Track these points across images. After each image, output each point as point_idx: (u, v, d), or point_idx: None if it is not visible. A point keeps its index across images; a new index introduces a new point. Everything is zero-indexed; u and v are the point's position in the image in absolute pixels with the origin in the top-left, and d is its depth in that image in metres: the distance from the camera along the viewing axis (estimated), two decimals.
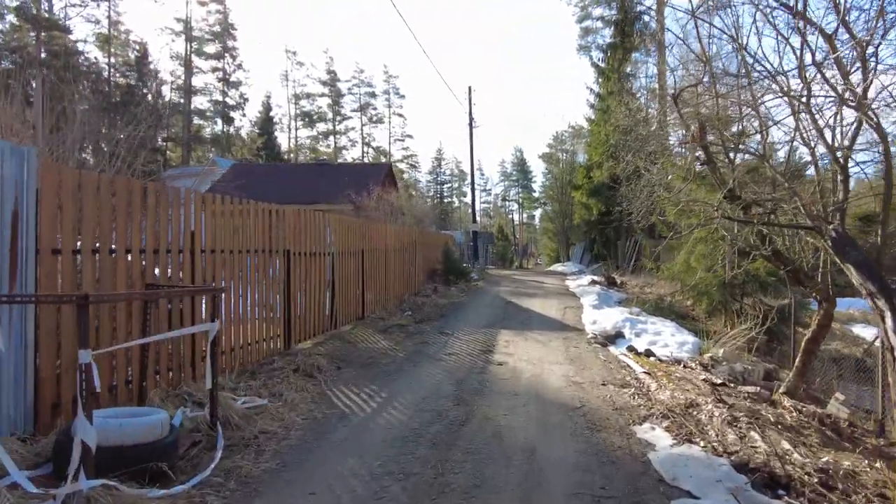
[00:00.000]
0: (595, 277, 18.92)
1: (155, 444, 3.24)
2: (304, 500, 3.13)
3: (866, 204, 6.23)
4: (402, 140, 67.74)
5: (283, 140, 58.35)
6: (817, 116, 4.42)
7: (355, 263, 9.65)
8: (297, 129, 61.11)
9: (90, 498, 2.72)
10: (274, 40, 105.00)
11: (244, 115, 50.53)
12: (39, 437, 3.51)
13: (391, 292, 11.84)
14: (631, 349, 7.97)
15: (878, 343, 6.11)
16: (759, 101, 4.66)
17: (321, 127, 62.93)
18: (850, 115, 4.63)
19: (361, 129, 64.70)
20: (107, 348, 3.75)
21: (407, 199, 24.47)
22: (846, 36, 4.29)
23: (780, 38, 4.65)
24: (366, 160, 58.87)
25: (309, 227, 7.70)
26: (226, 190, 14.44)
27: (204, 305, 5.39)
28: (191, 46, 43.94)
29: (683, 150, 5.96)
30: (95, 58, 36.59)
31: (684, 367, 7.26)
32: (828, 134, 4.50)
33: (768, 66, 4.84)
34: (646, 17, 23.90)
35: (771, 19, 4.58)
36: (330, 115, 62.84)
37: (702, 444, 4.13)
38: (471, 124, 27.90)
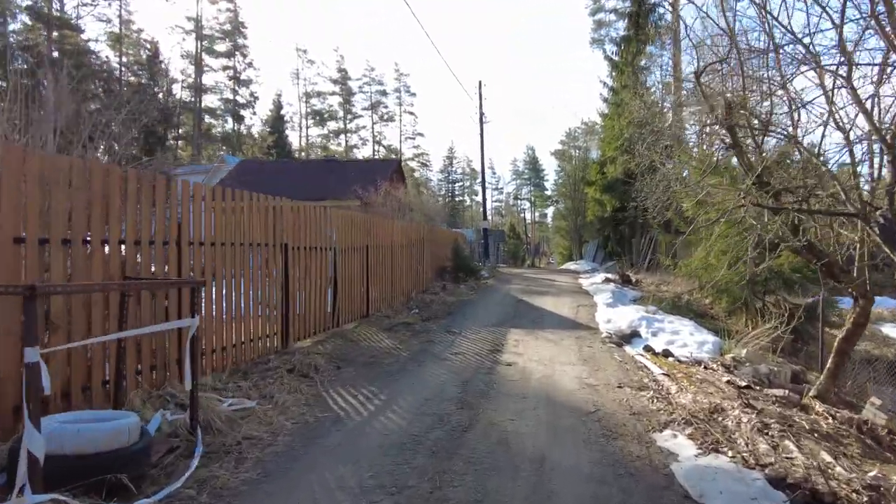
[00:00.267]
0: (609, 275, 18.42)
1: (120, 452, 2.91)
2: None
3: None
4: (413, 138, 67.51)
5: (293, 138, 58.44)
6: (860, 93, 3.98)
7: (359, 259, 9.32)
8: (307, 127, 61.18)
9: None
10: (284, 39, 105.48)
11: (254, 113, 50.65)
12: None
13: (398, 289, 11.50)
14: (648, 349, 7.54)
15: None
16: (793, 76, 4.24)
17: (332, 125, 62.93)
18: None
19: (372, 128, 64.58)
20: (64, 345, 3.42)
21: (417, 196, 24.16)
22: None
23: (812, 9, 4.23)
24: (377, 158, 58.66)
25: (309, 222, 7.38)
26: (231, 187, 14.23)
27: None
28: (201, 45, 44.05)
29: (705, 135, 5.51)
30: (107, 56, 36.81)
31: (705, 368, 6.82)
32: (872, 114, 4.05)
33: (799, 42, 4.41)
34: (660, 9, 23.33)
35: None
36: (341, 114, 62.80)
37: (730, 454, 3.72)
38: (481, 119, 27.51)
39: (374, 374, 5.84)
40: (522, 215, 75.13)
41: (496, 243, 39.99)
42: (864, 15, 4.00)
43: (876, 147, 5.07)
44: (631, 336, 8.52)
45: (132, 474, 2.92)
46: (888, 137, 3.95)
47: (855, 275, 5.01)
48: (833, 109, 4.74)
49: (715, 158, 7.49)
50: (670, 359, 7.17)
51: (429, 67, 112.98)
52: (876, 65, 3.92)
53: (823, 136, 4.79)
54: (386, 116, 65.15)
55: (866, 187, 6.31)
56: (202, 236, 5.21)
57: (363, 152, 63.39)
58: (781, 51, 4.37)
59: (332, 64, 63.13)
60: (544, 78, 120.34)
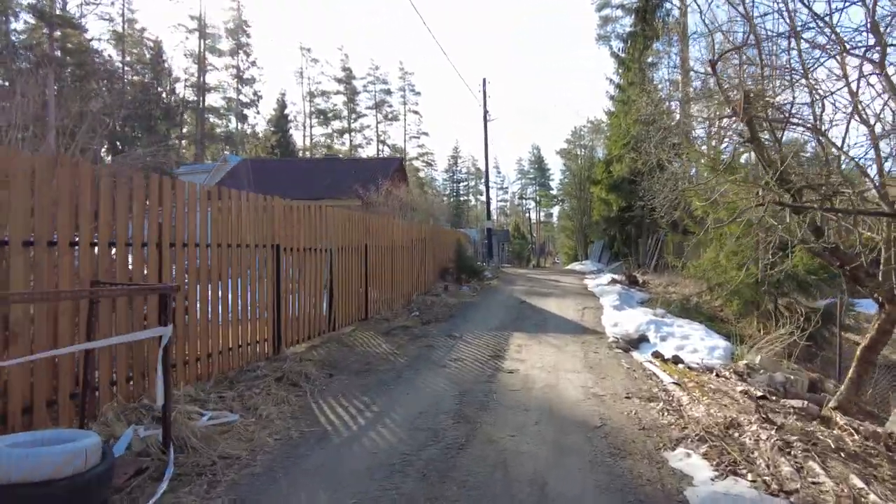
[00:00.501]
0: (615, 276, 18.05)
1: (76, 479, 2.62)
2: None
3: None
4: (418, 137, 67.27)
5: (298, 138, 58.29)
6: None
7: (357, 260, 9.03)
8: (311, 126, 60.98)
9: None
10: (288, 38, 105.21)
11: (258, 112, 50.49)
12: None
13: (398, 291, 11.20)
14: (657, 355, 7.20)
15: None
16: (816, 64, 3.90)
17: (336, 124, 62.72)
18: None
19: (377, 127, 64.33)
20: (24, 356, 3.11)
21: (422, 195, 23.86)
22: None
23: None
24: (378, 157, 58.42)
25: (302, 221, 7.09)
26: (231, 186, 13.97)
27: (185, 305, 4.81)
28: (204, 43, 43.89)
29: (721, 129, 5.16)
30: (109, 55, 36.70)
31: (717, 375, 6.48)
32: None
33: (826, 23, 4.07)
34: (667, 5, 22.89)
35: None
36: (345, 113, 62.59)
37: (750, 477, 3.39)
38: (485, 117, 27.18)
39: (368, 383, 5.54)
40: (527, 215, 74.69)
41: (500, 243, 39.68)
42: None
43: None
44: (639, 341, 8.19)
45: (90, 503, 2.64)
46: None
47: (881, 279, 4.67)
48: (858, 101, 4.41)
49: (728, 155, 7.15)
50: (680, 366, 6.83)
51: (433, 66, 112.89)
52: None
53: (847, 130, 4.44)
54: (390, 115, 64.94)
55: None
56: (185, 238, 4.94)
57: (367, 151, 63.24)
58: (803, 36, 4.03)
59: (337, 63, 62.90)
60: (547, 76, 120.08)
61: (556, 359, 6.86)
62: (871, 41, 3.60)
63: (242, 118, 47.84)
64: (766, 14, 4.50)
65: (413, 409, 4.67)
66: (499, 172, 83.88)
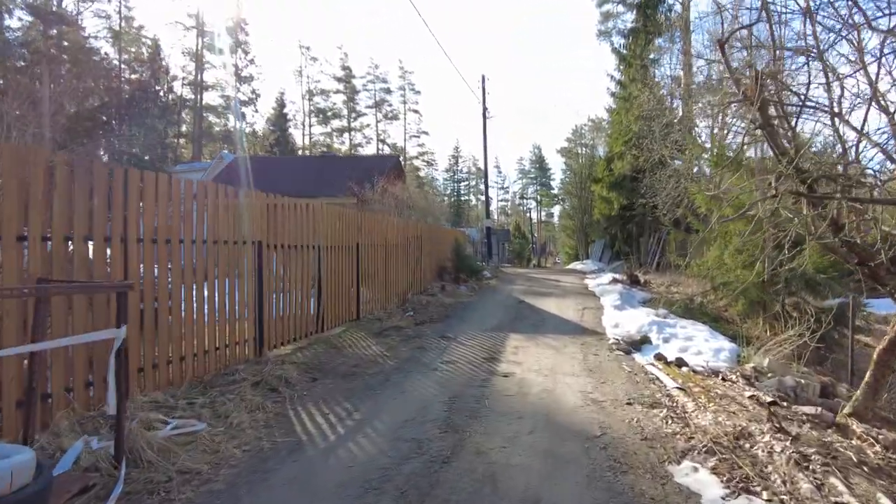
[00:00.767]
0: (616, 275, 17.71)
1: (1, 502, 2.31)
2: None
3: None
4: (418, 136, 66.91)
5: (297, 137, 57.97)
6: None
7: (349, 259, 8.71)
8: (311, 125, 60.62)
9: None
10: (287, 37, 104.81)
11: (256, 110, 50.12)
12: None
13: (392, 291, 10.88)
14: (659, 357, 6.86)
15: None
16: (839, 37, 3.56)
17: (336, 123, 62.37)
18: None
19: (376, 126, 63.98)
20: None
21: (421, 194, 23.51)
22: None
23: None
24: (375, 154, 58.12)
25: (287, 217, 6.77)
26: (225, 184, 13.66)
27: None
28: (202, 41, 43.59)
29: (731, 115, 4.81)
30: (106, 53, 36.39)
31: (723, 379, 6.15)
32: None
33: None
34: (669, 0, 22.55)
35: None
36: (345, 112, 62.24)
37: (765, 495, 3.06)
38: (484, 114, 26.86)
39: (353, 388, 5.21)
40: (528, 215, 74.31)
41: (501, 242, 39.36)
42: None
43: None
44: (641, 342, 7.85)
45: None
46: None
47: None
48: (877, 89, 4.07)
49: (735, 147, 6.81)
50: (684, 368, 6.49)
51: (432, 65, 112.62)
52: None
53: (866, 117, 4.10)
54: (390, 115, 64.56)
55: None
56: (154, 232, 4.61)
57: (367, 151, 62.89)
58: (819, 13, 3.70)
59: (336, 62, 62.37)
60: (546, 76, 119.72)
61: (554, 361, 6.53)
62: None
63: (241, 116, 47.53)
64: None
65: (398, 417, 4.34)
66: (499, 172, 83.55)
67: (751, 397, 5.18)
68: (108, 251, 4.17)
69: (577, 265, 31.05)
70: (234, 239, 5.68)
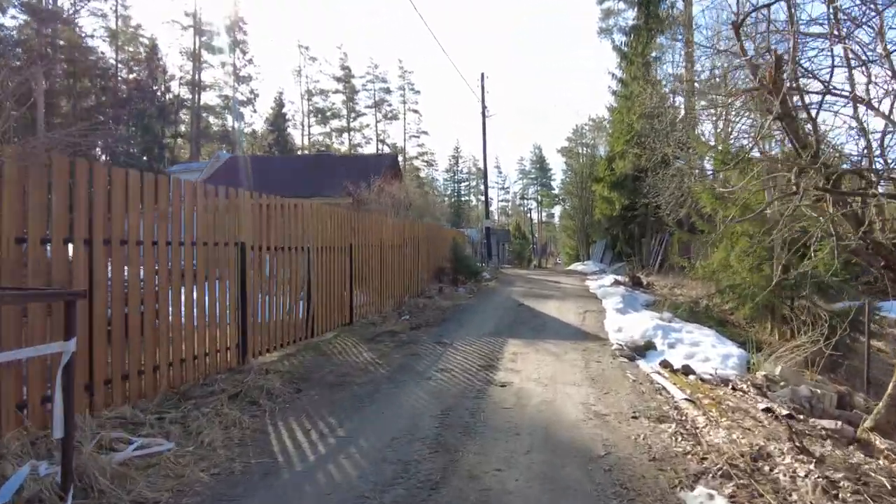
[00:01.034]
0: (618, 277, 17.37)
1: None
2: None
3: None
4: (418, 136, 66.62)
5: (296, 137, 57.65)
6: None
7: (341, 260, 8.37)
8: (310, 125, 60.33)
9: None
10: (286, 38, 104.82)
11: (255, 110, 49.79)
12: None
13: (387, 293, 10.54)
14: (665, 365, 6.53)
15: None
16: (865, 23, 3.22)
17: (335, 123, 62.08)
18: None
19: (376, 126, 63.68)
20: None
21: (422, 195, 23.19)
22: None
23: None
24: (371, 154, 57.76)
25: (273, 217, 6.44)
26: (220, 184, 13.35)
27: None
28: (200, 40, 43.21)
29: (751, 100, 4.46)
30: (102, 52, 36.08)
31: (733, 388, 5.82)
32: None
33: None
34: None
35: None
36: (344, 112, 61.95)
37: None
38: (483, 112, 26.54)
39: (340, 400, 4.88)
40: (529, 215, 73.95)
41: (501, 243, 39.03)
42: None
43: None
44: (645, 348, 7.51)
45: None
46: None
47: None
48: None
49: (742, 144, 6.48)
50: (691, 377, 6.16)
51: (432, 65, 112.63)
52: None
53: (893, 107, 3.76)
54: (390, 115, 64.25)
55: None
56: (125, 233, 4.28)
57: (367, 151, 62.50)
58: None
59: (335, 61, 62.02)
60: (546, 76, 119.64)
61: (555, 369, 6.20)
62: None
63: (239, 116, 47.22)
64: None
65: (386, 434, 4.01)
66: (500, 172, 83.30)
67: (765, 410, 4.84)
68: (70, 254, 3.84)
69: (577, 266, 30.73)
70: (214, 240, 5.35)
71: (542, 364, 6.44)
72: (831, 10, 3.51)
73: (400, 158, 51.71)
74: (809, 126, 3.93)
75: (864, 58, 3.49)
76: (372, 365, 6.24)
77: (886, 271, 4.11)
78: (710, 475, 3.36)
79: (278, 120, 51.12)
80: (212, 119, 45.82)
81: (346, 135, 62.12)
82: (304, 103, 59.53)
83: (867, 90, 3.57)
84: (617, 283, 15.47)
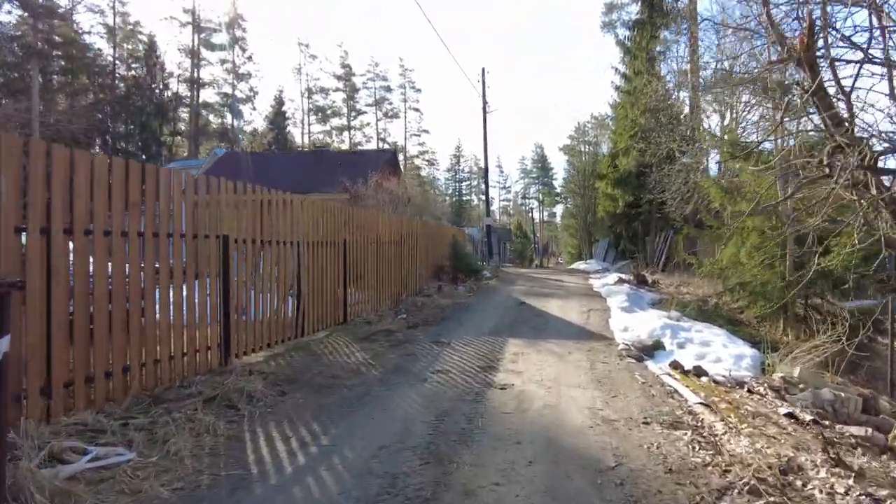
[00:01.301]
0: (622, 275, 16.97)
1: None
2: None
3: None
4: (419, 135, 66.23)
5: (296, 135, 57.28)
6: None
7: (334, 256, 8.01)
8: (310, 124, 59.95)
9: None
10: (286, 36, 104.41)
11: (254, 108, 49.50)
12: None
13: (384, 291, 10.18)
14: (675, 366, 6.15)
15: None
16: None
17: (335, 122, 61.67)
18: None
19: (377, 124, 63.28)
20: None
21: (422, 193, 22.84)
22: None
23: None
24: (369, 149, 57.38)
25: (260, 209, 6.08)
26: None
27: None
28: (198, 37, 42.82)
29: (775, 71, 4.09)
30: (100, 49, 35.75)
31: (750, 391, 5.45)
32: None
33: None
34: None
35: None
36: (344, 110, 61.55)
37: None
38: (484, 108, 26.18)
39: (327, 404, 4.51)
40: (530, 215, 73.57)
41: (502, 242, 38.66)
42: None
43: None
44: (653, 348, 7.13)
45: None
46: None
47: None
48: None
49: (754, 131, 6.10)
50: (704, 379, 5.78)
51: (433, 63, 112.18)
52: None
53: None
54: (391, 113, 63.84)
55: None
56: (90, 223, 3.92)
57: (367, 149, 62.18)
58: None
59: (336, 59, 61.56)
60: (546, 76, 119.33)
61: (558, 370, 5.82)
62: None
63: (238, 114, 46.87)
64: None
65: (373, 443, 3.64)
66: (501, 171, 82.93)
67: (787, 415, 4.47)
68: (24, 243, 3.48)
69: (580, 265, 30.35)
70: (193, 232, 4.99)
71: (545, 365, 6.07)
72: None
73: (400, 157, 51.28)
74: (843, 103, 3.55)
75: None
76: (364, 366, 5.87)
77: None
78: (736, 490, 2.98)
79: (278, 118, 50.75)
80: (211, 117, 45.48)
81: (346, 133, 61.77)
82: (305, 101, 59.21)
83: None
84: (621, 281, 15.09)
